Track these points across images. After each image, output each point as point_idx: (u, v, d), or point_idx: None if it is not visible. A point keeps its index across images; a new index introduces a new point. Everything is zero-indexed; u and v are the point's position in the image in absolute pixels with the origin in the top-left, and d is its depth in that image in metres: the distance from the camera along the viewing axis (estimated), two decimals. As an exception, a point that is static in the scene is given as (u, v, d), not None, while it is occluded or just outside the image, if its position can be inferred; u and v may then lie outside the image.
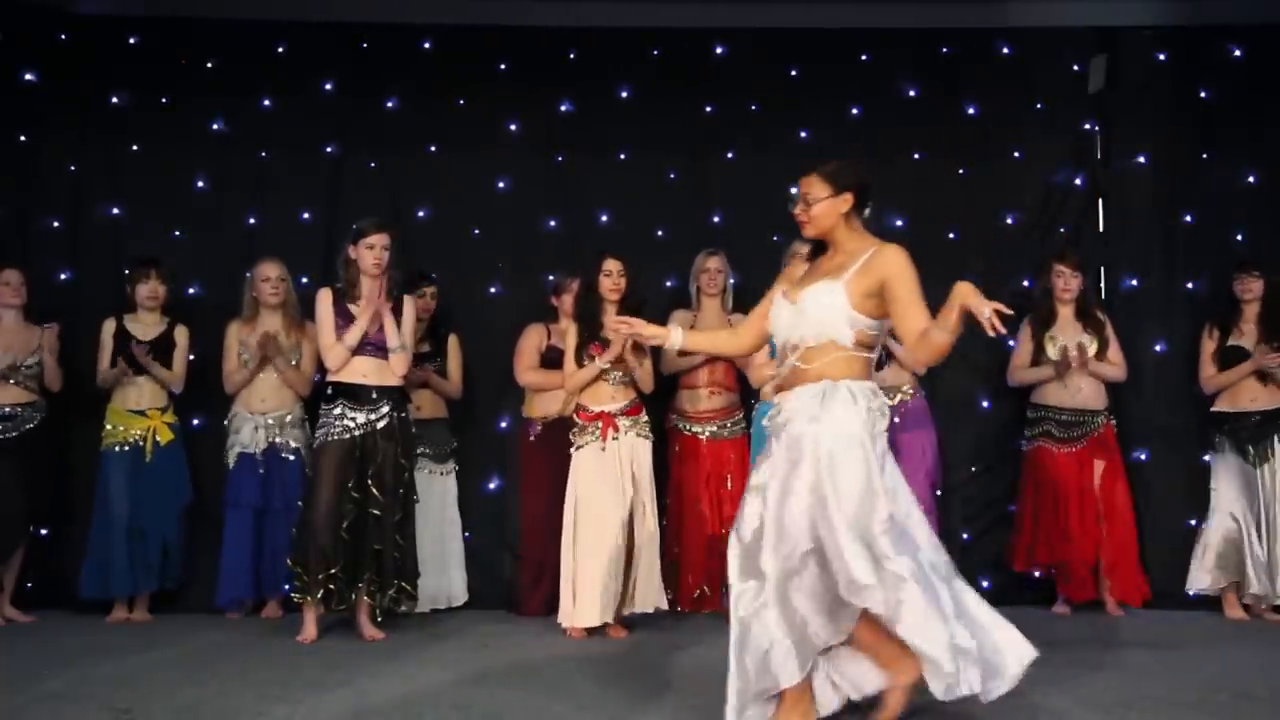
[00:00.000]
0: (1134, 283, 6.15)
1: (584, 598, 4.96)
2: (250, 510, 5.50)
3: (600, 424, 5.07)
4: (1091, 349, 5.66)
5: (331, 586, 4.86)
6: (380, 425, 4.96)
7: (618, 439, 5.06)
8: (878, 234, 3.47)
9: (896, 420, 5.65)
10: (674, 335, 3.72)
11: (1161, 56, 6.26)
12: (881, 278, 3.31)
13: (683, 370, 5.64)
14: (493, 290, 6.16)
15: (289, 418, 5.57)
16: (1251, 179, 6.19)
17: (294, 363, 5.54)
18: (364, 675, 4.22)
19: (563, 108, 6.24)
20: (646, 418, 5.20)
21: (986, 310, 3.08)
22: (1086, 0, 6.30)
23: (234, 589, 5.50)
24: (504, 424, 6.01)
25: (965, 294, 3.13)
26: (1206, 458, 5.73)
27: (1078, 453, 5.63)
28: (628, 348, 5.03)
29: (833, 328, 3.32)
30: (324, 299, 5.01)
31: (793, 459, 3.27)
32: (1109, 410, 5.72)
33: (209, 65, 6.15)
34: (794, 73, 6.31)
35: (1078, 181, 6.27)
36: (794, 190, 3.48)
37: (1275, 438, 5.52)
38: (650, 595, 5.07)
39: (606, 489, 5.02)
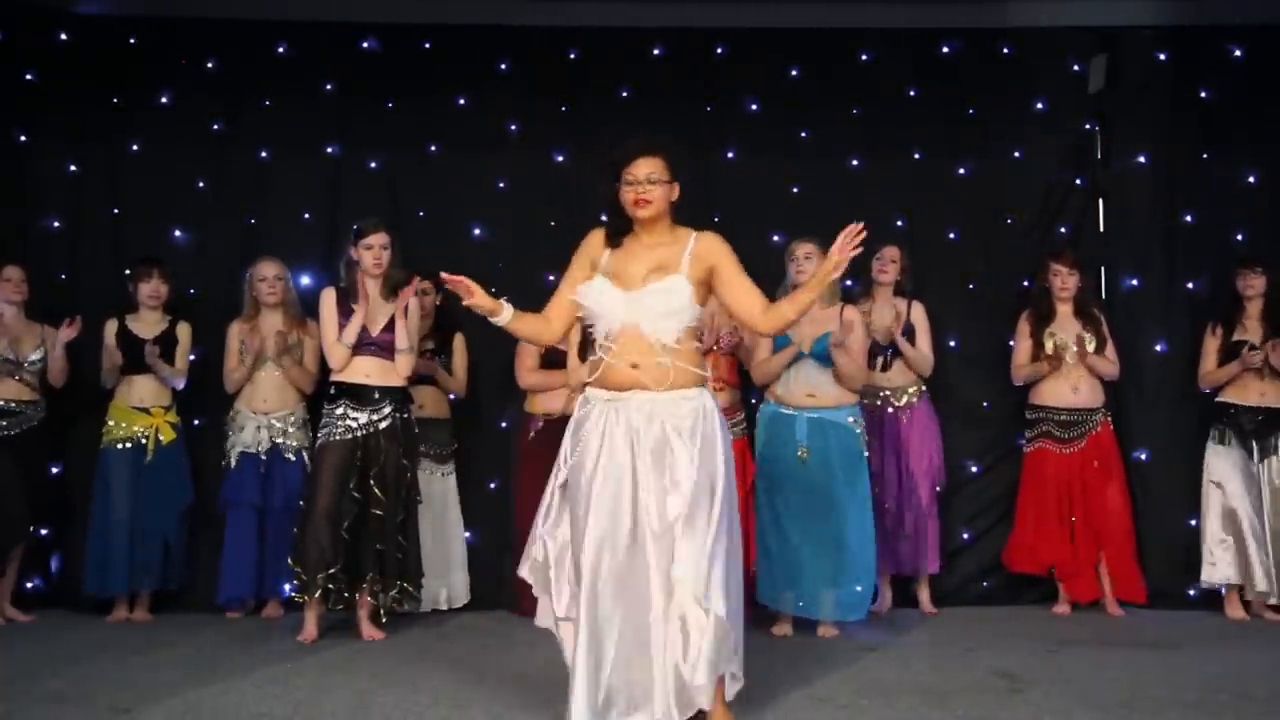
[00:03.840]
0: (1134, 282, 6.14)
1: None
2: (251, 510, 5.50)
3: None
4: (1090, 346, 5.66)
5: (331, 586, 4.87)
6: (382, 426, 4.96)
7: None
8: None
9: (903, 421, 5.67)
10: (505, 312, 3.81)
11: (1161, 56, 6.25)
12: (710, 263, 3.48)
13: None
14: (493, 291, 6.07)
15: (291, 418, 5.57)
16: (1252, 179, 6.18)
17: (298, 359, 5.54)
18: (364, 675, 4.23)
19: (563, 108, 6.24)
20: None
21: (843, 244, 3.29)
22: (1086, 0, 6.30)
23: (235, 588, 5.51)
24: (505, 424, 6.00)
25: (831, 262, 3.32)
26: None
27: (1077, 453, 5.63)
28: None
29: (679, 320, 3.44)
30: (328, 299, 5.03)
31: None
32: (1106, 409, 5.73)
33: (209, 65, 6.14)
34: (794, 73, 6.31)
35: (1078, 181, 6.26)
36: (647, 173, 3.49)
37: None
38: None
39: None
